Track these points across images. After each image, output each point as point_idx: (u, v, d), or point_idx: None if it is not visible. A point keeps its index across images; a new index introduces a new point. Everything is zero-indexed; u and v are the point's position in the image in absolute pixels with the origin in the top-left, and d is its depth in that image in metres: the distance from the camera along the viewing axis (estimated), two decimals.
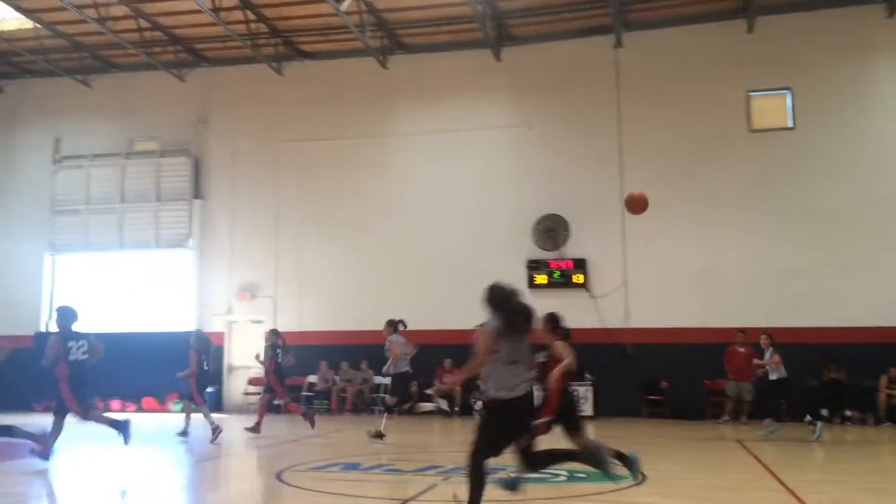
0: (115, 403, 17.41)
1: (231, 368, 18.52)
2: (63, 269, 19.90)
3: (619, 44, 17.19)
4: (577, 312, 16.57)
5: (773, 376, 12.56)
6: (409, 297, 17.42)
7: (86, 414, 9.38)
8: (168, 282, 19.29)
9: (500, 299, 5.46)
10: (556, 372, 6.82)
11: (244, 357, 18.46)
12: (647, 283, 16.50)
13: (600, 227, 16.94)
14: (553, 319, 7.39)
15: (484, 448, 5.21)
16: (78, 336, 9.48)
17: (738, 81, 16.71)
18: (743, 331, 14.87)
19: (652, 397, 16.04)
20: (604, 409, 15.41)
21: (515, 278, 16.98)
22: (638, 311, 16.48)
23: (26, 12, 16.87)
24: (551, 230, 17.27)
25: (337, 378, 17.50)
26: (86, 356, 9.44)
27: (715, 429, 14.19)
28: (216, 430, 12.04)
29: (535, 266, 17.12)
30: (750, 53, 16.67)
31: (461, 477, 7.72)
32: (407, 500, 6.85)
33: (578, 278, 16.90)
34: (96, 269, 19.72)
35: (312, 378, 17.63)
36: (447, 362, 16.75)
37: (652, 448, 11.47)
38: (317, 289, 18.12)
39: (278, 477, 8.31)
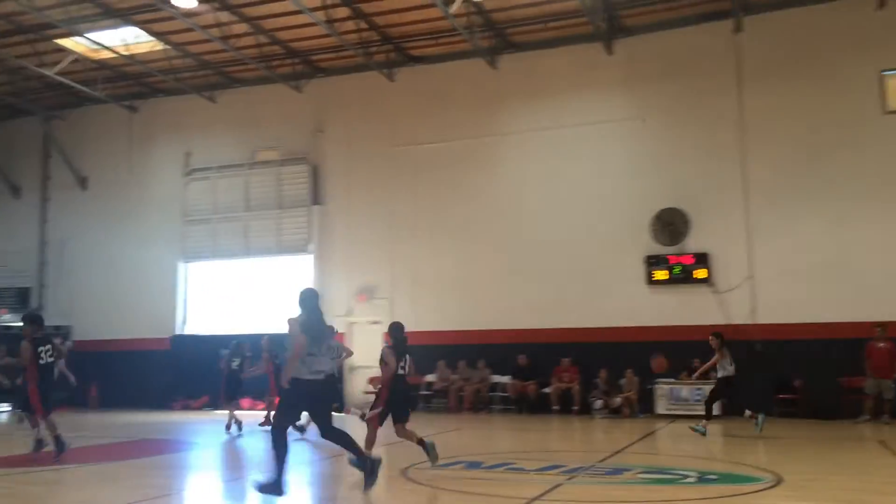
0: (245, 402, 18.17)
1: (352, 368, 19.02)
2: (194, 275, 21.05)
3: (738, 28, 16.50)
4: (700, 308, 16.10)
5: None
6: (525, 296, 17.40)
7: (47, 415, 9.80)
8: (290, 285, 20.00)
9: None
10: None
11: (364, 357, 18.93)
12: (775, 277, 15.74)
13: (722, 220, 16.31)
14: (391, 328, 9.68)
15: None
16: (45, 341, 9.94)
17: (870, 61, 15.69)
18: (881, 325, 13.99)
19: (783, 396, 15.30)
20: (734, 408, 14.81)
21: (634, 275, 16.73)
22: (766, 306, 15.76)
23: (157, 35, 17.94)
24: (670, 224, 16.78)
25: (455, 377, 17.65)
26: (52, 359, 9.90)
27: (853, 429, 13.38)
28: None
29: (654, 262, 16.68)
30: (882, 30, 15.63)
31: (585, 476, 7.61)
32: (532, 500, 6.82)
33: (701, 273, 16.33)
34: (224, 275, 20.73)
35: (430, 377, 17.85)
36: (565, 361, 16.59)
37: (786, 448, 10.94)
38: (431, 289, 18.35)
39: (404, 473, 8.46)
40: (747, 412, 12.37)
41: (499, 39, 18.12)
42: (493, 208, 18.08)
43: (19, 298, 22.10)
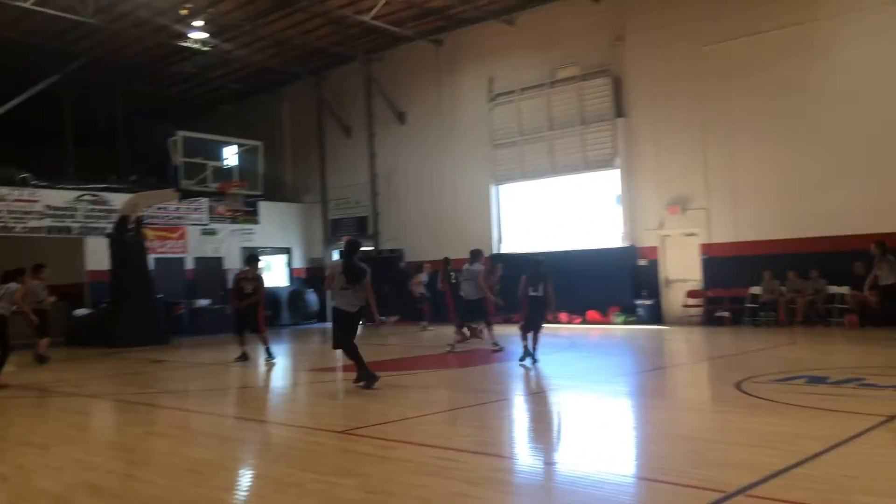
0: (563, 316, 18.76)
1: (668, 282, 18.63)
2: (505, 197, 21.92)
3: None
4: None
5: None
6: (862, 198, 15.52)
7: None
8: (602, 200, 20.01)
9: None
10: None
11: (679, 270, 18.43)
12: None
13: None
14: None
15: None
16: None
17: None
18: None
19: None
20: None
21: None
22: None
23: None
24: None
25: (783, 289, 16.45)
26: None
27: None
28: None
29: None
30: None
31: None
32: (893, 417, 6.20)
33: None
34: (535, 194, 21.32)
35: (755, 289, 16.83)
36: None
37: None
38: (752, 196, 17.12)
39: (738, 387, 8.16)
40: None
41: None
42: (822, 100, 16.16)
43: (359, 227, 24.85)
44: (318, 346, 16.03)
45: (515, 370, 10.97)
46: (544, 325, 11.64)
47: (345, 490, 4.70)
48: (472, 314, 13.37)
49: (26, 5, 17.49)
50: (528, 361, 11.07)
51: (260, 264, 13.68)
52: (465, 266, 13.29)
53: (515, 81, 21.19)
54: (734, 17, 17.34)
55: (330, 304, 9.13)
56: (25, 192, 19.72)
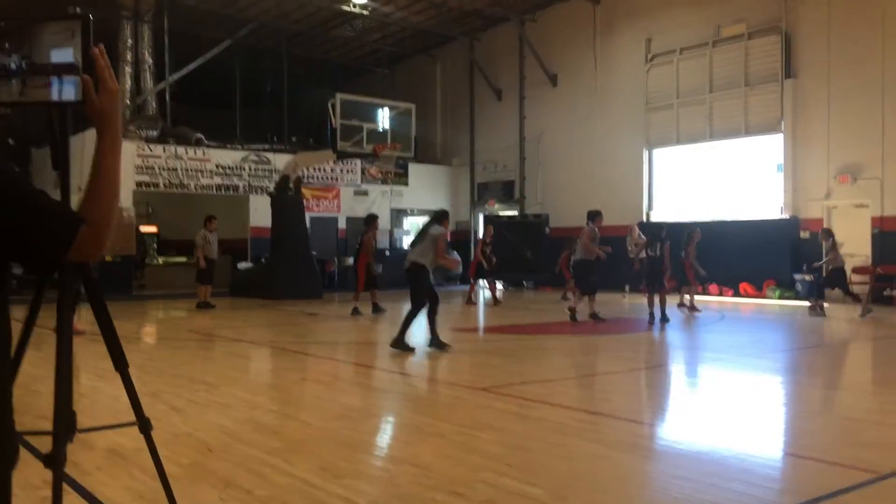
0: (713, 288, 18.06)
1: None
2: (658, 161, 21.23)
3: None
4: None
5: None
6: None
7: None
8: (760, 168, 18.97)
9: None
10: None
11: (846, 244, 17.15)
12: None
13: None
14: None
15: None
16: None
17: None
18: None
19: None
20: None
21: None
22: None
23: None
24: None
25: None
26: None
27: None
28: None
29: None
30: None
31: None
32: None
33: None
34: (688, 160, 20.52)
35: None
36: None
37: None
38: None
39: None
40: None
41: None
42: None
43: (505, 191, 24.94)
44: (461, 307, 16.35)
45: (661, 340, 10.74)
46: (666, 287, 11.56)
47: (485, 443, 4.84)
48: (576, 277, 13.24)
49: None
50: (656, 327, 10.94)
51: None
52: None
53: (675, 41, 20.33)
54: None
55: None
56: (199, 152, 21.25)
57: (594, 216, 12.72)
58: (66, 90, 1.79)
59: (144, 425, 2.23)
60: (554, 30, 23.33)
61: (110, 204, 1.68)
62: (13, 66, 1.78)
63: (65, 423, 1.81)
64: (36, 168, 23.52)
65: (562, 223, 22.01)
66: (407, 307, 9.22)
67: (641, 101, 21.12)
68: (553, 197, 23.27)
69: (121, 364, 2.15)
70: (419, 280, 9.11)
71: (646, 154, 21.24)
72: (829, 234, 14.52)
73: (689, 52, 20.11)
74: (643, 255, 13.17)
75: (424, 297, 9.10)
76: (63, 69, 1.78)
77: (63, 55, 1.79)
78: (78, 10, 1.79)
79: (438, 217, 9.52)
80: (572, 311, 12.60)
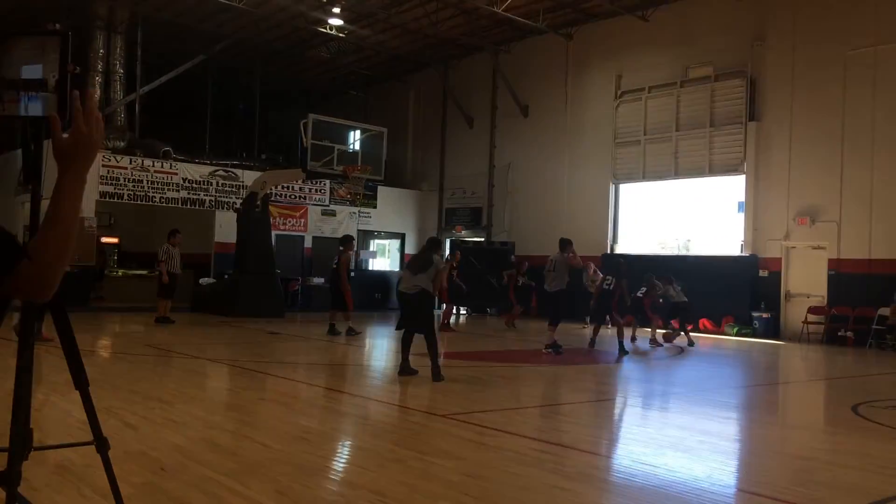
0: (674, 323, 18.23)
1: (789, 296, 17.83)
2: (624, 196, 21.55)
3: None
4: None
5: None
6: None
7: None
8: (722, 206, 19.36)
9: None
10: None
11: (803, 284, 17.60)
12: None
13: None
14: None
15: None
16: None
17: None
18: None
19: None
20: None
21: None
22: None
23: None
24: None
25: None
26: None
27: None
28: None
29: None
30: None
31: None
32: None
33: None
34: (653, 195, 20.88)
35: (884, 310, 15.84)
36: None
37: None
38: (890, 212, 16.11)
39: (855, 410, 7.78)
40: None
41: None
42: None
43: (472, 217, 25.08)
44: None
45: (621, 372, 10.84)
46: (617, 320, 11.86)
47: (444, 471, 4.83)
48: (551, 307, 12.48)
49: None
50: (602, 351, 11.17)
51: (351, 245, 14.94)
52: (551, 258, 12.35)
53: (644, 79, 20.76)
54: (885, 19, 16.33)
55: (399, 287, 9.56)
56: (166, 165, 21.05)
57: (567, 244, 12.15)
58: (34, 106, 1.79)
59: (102, 445, 2.20)
60: (527, 62, 23.67)
61: (63, 248, 1.58)
62: None
63: (20, 440, 1.78)
64: None
65: (527, 251, 22.16)
66: (385, 330, 9.24)
67: (610, 136, 21.48)
68: (520, 225, 23.46)
69: (81, 382, 2.13)
70: (429, 306, 9.23)
71: (612, 188, 21.55)
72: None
73: (657, 91, 20.55)
74: (605, 286, 13.38)
75: (433, 323, 9.15)
76: (33, 85, 1.78)
77: (33, 71, 1.79)
78: (58, 26, 1.80)
79: (436, 245, 9.52)
80: (554, 345, 12.06)
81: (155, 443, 5.29)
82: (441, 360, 9.12)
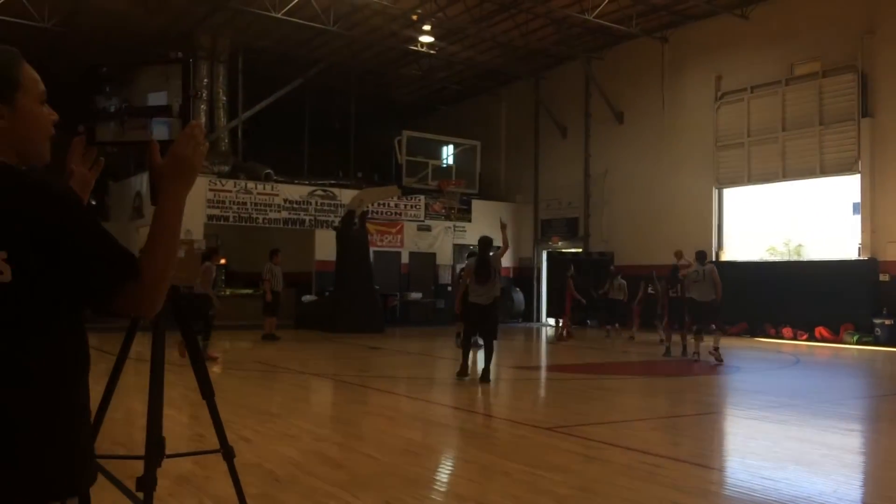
0: (787, 331, 17.49)
1: None
2: (728, 200, 20.82)
3: None
4: None
5: None
6: None
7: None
8: (835, 208, 18.43)
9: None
10: None
11: None
12: None
13: None
14: None
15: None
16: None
17: None
18: None
19: None
20: None
21: None
22: None
23: None
24: None
25: None
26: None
27: None
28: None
29: None
30: None
31: None
32: None
33: None
34: (760, 199, 20.08)
35: None
36: None
37: None
38: None
39: None
40: None
41: None
42: None
43: (568, 228, 24.79)
44: (523, 345, 16.24)
45: (733, 383, 10.44)
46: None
47: (553, 484, 4.75)
48: (708, 316, 12.38)
49: (279, 16, 19.28)
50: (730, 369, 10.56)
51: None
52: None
53: (746, 79, 20.03)
54: None
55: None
56: (268, 187, 21.79)
57: (703, 256, 12.77)
58: (160, 130, 1.87)
59: (228, 453, 2.27)
60: (621, 67, 23.28)
61: (164, 268, 1.61)
62: (112, 108, 1.88)
63: (156, 448, 1.86)
64: (113, 200, 24.49)
65: (627, 261, 21.70)
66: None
67: (710, 140, 20.82)
68: (618, 235, 23.00)
69: (207, 392, 2.21)
70: (497, 315, 9.64)
71: (715, 192, 20.86)
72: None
73: (760, 90, 19.79)
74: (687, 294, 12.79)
75: (497, 329, 9.56)
76: (159, 111, 1.87)
77: (158, 98, 1.88)
78: (179, 54, 1.88)
79: (488, 244, 9.70)
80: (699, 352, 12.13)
81: (268, 455, 5.43)
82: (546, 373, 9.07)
